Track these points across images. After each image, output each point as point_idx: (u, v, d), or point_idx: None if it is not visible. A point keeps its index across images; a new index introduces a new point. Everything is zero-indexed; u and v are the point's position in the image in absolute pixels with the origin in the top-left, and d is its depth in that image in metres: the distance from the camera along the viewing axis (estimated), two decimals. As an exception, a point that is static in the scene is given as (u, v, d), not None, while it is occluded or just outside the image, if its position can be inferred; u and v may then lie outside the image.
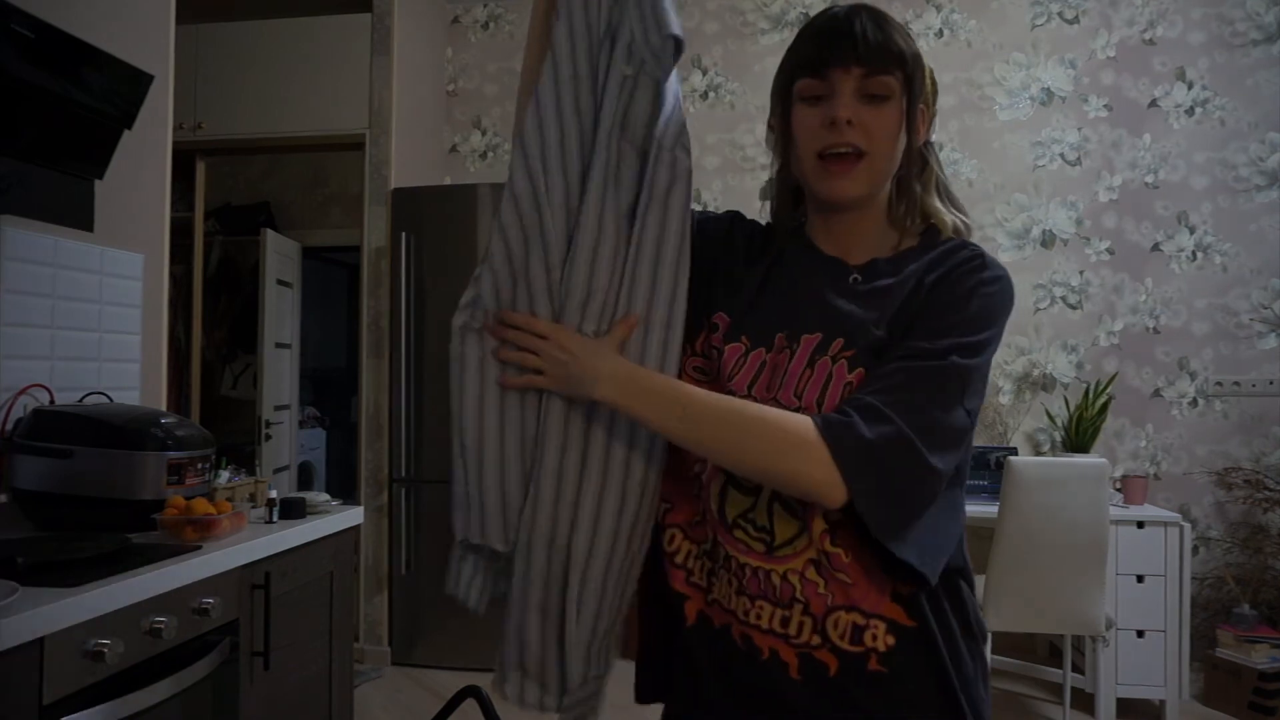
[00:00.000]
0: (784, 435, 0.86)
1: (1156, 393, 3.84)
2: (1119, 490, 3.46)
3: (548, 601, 0.99)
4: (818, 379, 0.93)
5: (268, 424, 4.53)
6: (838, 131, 0.94)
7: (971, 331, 0.92)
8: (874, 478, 0.85)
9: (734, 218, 1.12)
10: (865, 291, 0.98)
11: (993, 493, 3.36)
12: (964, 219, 1.03)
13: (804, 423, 0.87)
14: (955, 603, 0.96)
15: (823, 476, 0.85)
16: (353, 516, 2.30)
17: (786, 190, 1.07)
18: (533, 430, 0.99)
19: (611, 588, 0.98)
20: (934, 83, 1.03)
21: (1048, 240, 3.96)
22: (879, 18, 0.96)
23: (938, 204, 1.03)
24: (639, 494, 0.98)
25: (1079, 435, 3.54)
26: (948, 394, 0.89)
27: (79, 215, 2.13)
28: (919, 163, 1.02)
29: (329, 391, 6.08)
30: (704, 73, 4.26)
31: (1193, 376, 3.81)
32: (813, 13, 4.17)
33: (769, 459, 0.87)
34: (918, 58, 0.97)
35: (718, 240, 1.09)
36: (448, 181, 4.43)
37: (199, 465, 1.95)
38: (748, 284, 1.04)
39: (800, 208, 1.08)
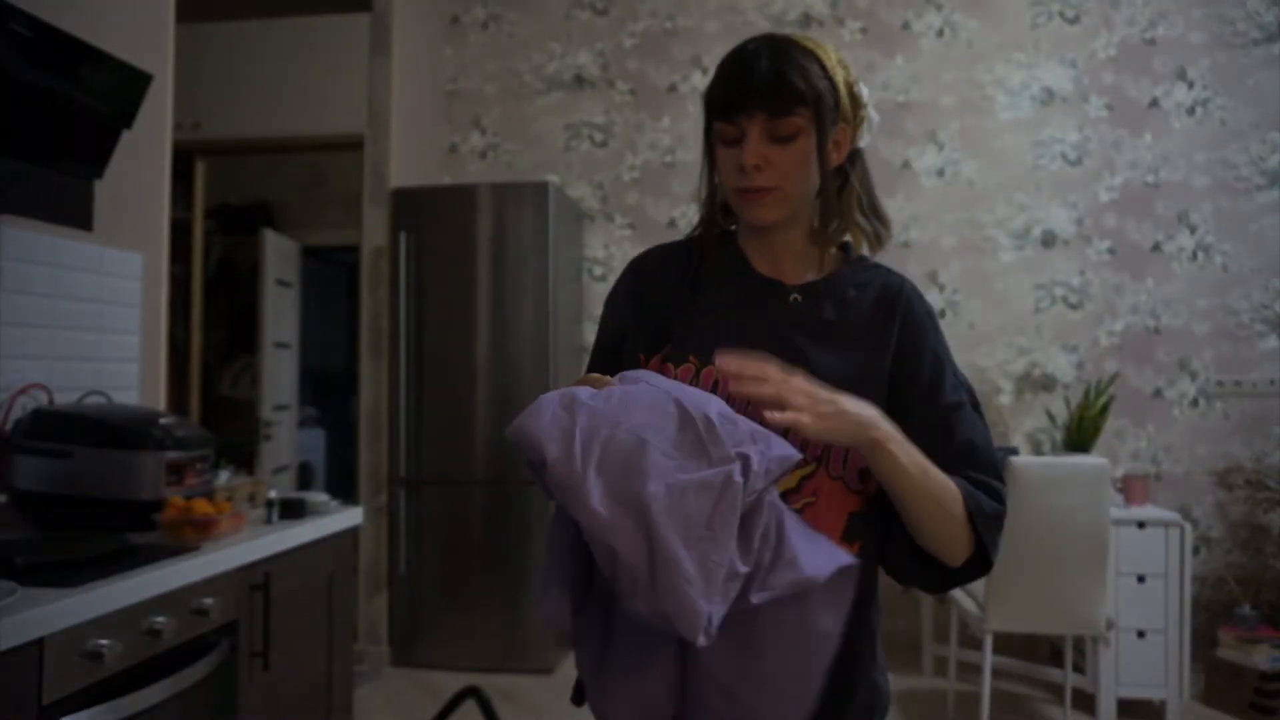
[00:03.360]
0: (953, 518, 0.96)
1: (1157, 393, 3.84)
2: (1120, 490, 3.46)
3: None
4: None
5: (267, 424, 4.53)
6: (748, 175, 1.00)
7: (950, 359, 1.06)
8: (994, 548, 1.00)
9: (635, 267, 1.15)
10: (814, 323, 1.04)
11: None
12: (881, 228, 1.10)
13: (959, 503, 0.97)
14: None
15: (965, 554, 0.99)
16: (352, 517, 2.29)
17: (716, 206, 1.12)
18: None
19: None
20: (854, 97, 1.05)
21: (1048, 240, 3.96)
22: (781, 56, 0.99)
23: (857, 217, 1.09)
24: None
25: (1080, 435, 3.53)
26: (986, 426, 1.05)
27: (78, 215, 2.13)
28: (837, 182, 1.08)
29: (329, 391, 6.06)
30: (704, 72, 4.26)
31: (1193, 376, 3.81)
32: (813, 11, 4.17)
33: (940, 534, 0.97)
34: (820, 96, 0.99)
35: (626, 300, 1.13)
36: (447, 181, 4.43)
37: (198, 465, 1.95)
38: (680, 300, 1.08)
39: (732, 216, 1.13)
